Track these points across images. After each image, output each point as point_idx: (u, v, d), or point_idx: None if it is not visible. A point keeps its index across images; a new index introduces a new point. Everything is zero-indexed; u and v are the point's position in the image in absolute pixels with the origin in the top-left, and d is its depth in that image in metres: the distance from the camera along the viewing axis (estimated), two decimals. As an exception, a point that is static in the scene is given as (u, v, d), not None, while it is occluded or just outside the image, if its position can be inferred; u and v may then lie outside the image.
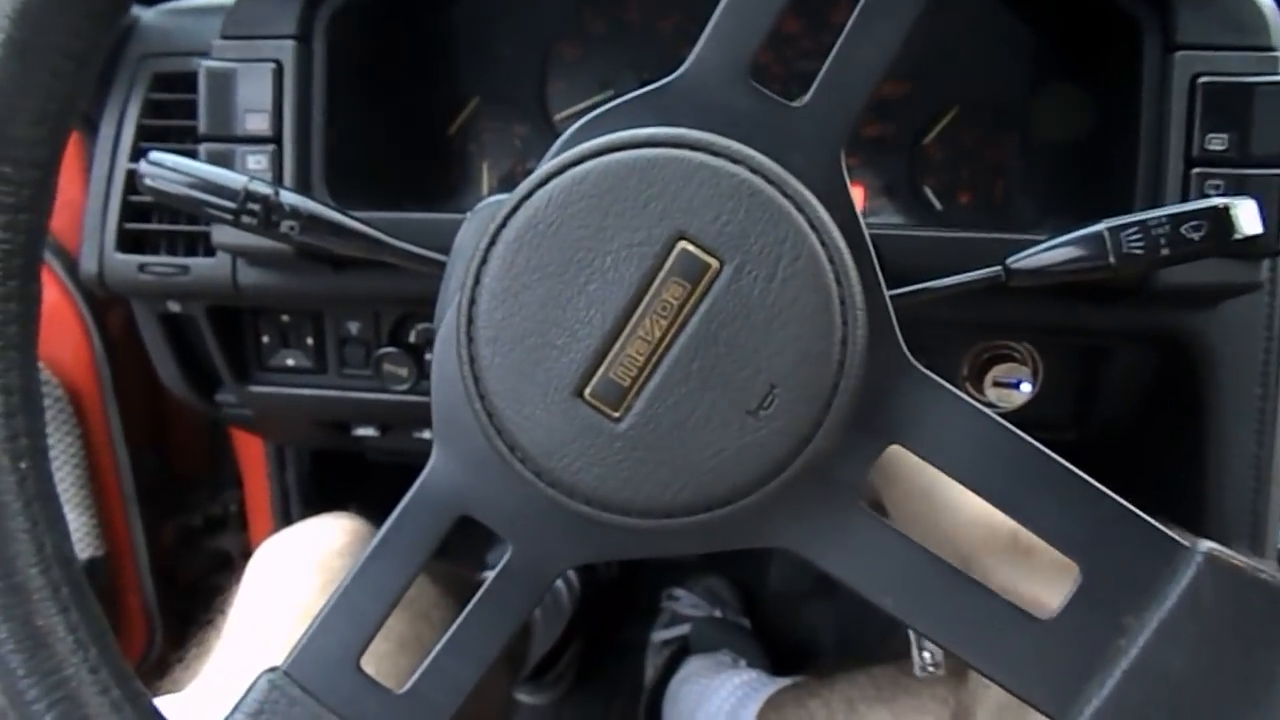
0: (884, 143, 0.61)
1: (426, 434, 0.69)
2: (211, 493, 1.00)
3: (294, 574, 0.55)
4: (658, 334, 0.29)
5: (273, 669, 0.32)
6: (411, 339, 0.61)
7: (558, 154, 0.31)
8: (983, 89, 0.59)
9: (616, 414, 0.29)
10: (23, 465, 0.29)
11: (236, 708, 0.31)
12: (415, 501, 0.33)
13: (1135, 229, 0.37)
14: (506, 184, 0.65)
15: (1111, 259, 0.38)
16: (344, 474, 0.90)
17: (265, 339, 0.64)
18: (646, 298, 0.29)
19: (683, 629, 1.03)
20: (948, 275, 0.41)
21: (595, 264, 0.29)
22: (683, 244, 0.28)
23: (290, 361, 0.64)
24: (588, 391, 0.29)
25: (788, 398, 0.28)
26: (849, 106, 0.30)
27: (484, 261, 0.30)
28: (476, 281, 0.30)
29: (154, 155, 0.42)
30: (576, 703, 1.10)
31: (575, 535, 0.31)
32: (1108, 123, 0.51)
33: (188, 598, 0.94)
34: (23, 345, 0.30)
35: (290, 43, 0.51)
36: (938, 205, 0.61)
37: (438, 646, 0.32)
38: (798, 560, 0.31)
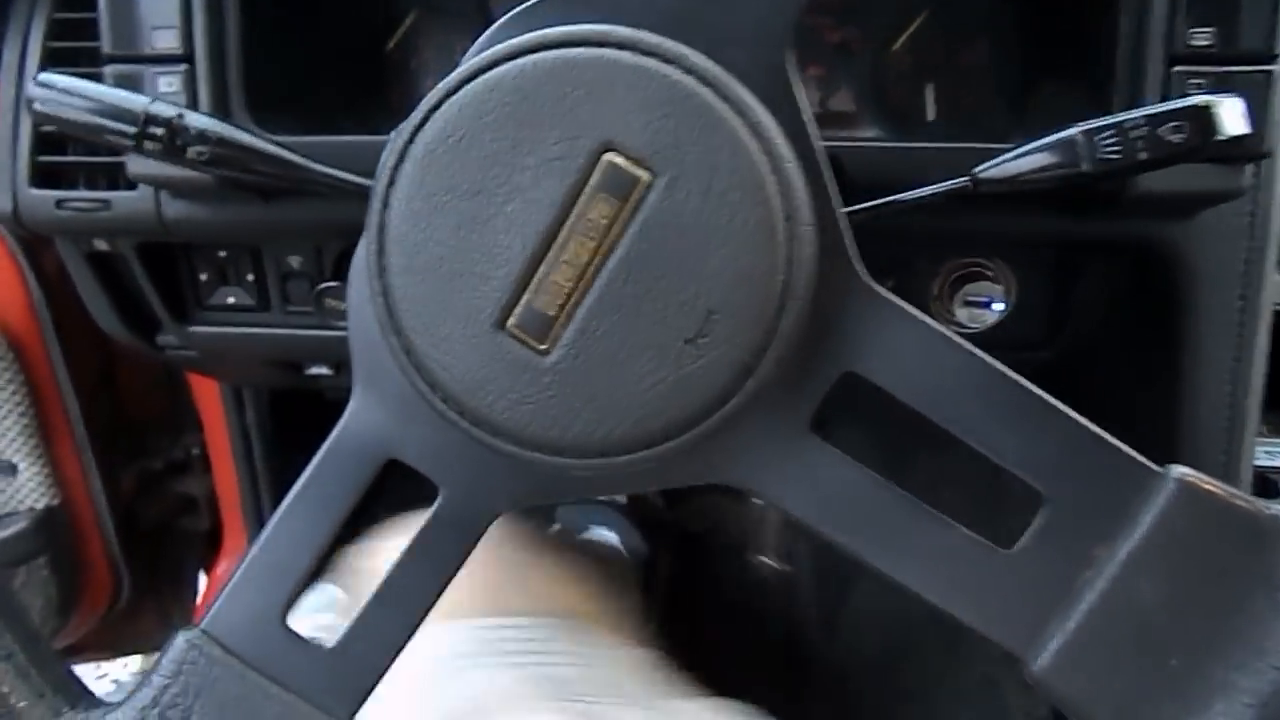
0: (849, 49, 0.57)
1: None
2: (172, 436, 0.97)
3: None
4: (585, 257, 0.26)
5: (189, 627, 0.30)
6: (356, 272, 0.58)
7: (472, 57, 0.27)
8: (953, -12, 0.55)
9: (543, 346, 0.26)
10: None
11: (152, 671, 0.29)
12: (336, 446, 0.30)
13: (1111, 132, 0.35)
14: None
15: (1085, 165, 0.35)
16: (305, 413, 0.87)
17: (203, 276, 0.61)
18: (571, 217, 0.26)
19: None
20: (914, 189, 0.39)
21: (513, 181, 0.26)
22: (609, 155, 0.26)
23: (231, 299, 0.61)
24: (511, 322, 0.26)
25: (728, 324, 0.26)
26: None
27: (392, 183, 0.27)
28: (385, 205, 0.27)
29: (43, 77, 0.38)
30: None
31: (507, 477, 0.29)
32: (1084, 23, 0.47)
33: (153, 543, 0.93)
34: None
35: (198, -50, 0.47)
36: (907, 115, 0.57)
37: (367, 600, 0.30)
38: None
